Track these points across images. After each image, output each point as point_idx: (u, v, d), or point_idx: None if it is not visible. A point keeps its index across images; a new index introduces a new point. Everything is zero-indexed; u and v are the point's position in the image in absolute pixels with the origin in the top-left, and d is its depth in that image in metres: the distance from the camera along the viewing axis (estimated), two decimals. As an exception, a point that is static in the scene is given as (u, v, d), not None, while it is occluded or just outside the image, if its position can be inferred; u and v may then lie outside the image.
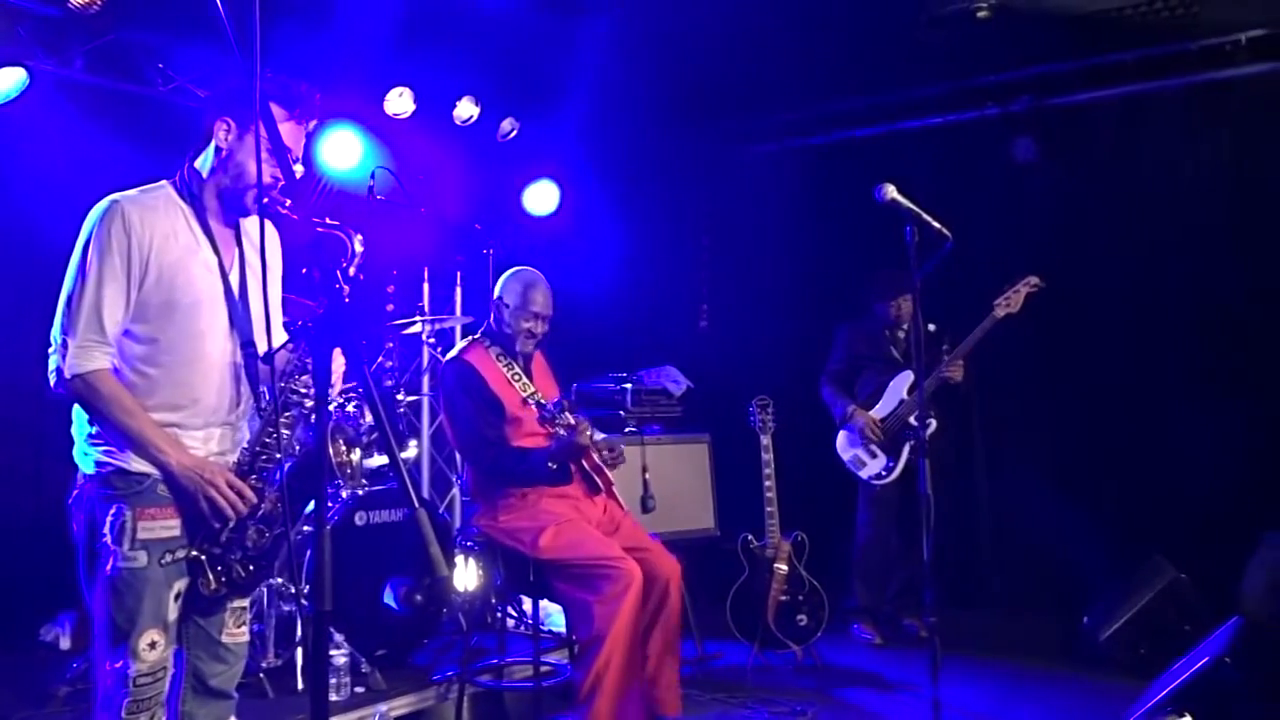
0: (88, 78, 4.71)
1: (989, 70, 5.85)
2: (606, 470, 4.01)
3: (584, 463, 3.99)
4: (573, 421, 3.76)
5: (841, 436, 5.44)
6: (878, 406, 5.35)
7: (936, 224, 3.35)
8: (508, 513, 3.92)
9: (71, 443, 2.47)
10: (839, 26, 5.31)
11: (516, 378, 4.04)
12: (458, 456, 5.87)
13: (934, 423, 5.14)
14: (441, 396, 4.13)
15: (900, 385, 5.31)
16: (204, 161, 2.54)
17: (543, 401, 3.84)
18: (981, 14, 4.99)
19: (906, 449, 5.25)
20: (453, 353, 4.15)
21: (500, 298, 4.14)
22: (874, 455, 5.33)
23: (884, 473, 5.30)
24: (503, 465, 3.90)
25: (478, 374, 3.98)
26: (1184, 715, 3.24)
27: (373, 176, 5.21)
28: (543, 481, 3.89)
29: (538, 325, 4.11)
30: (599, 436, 4.16)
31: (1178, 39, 5.31)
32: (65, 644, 4.70)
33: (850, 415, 5.36)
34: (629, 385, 5.52)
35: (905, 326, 5.38)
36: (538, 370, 4.21)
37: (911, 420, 5.18)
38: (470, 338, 4.20)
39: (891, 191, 3.34)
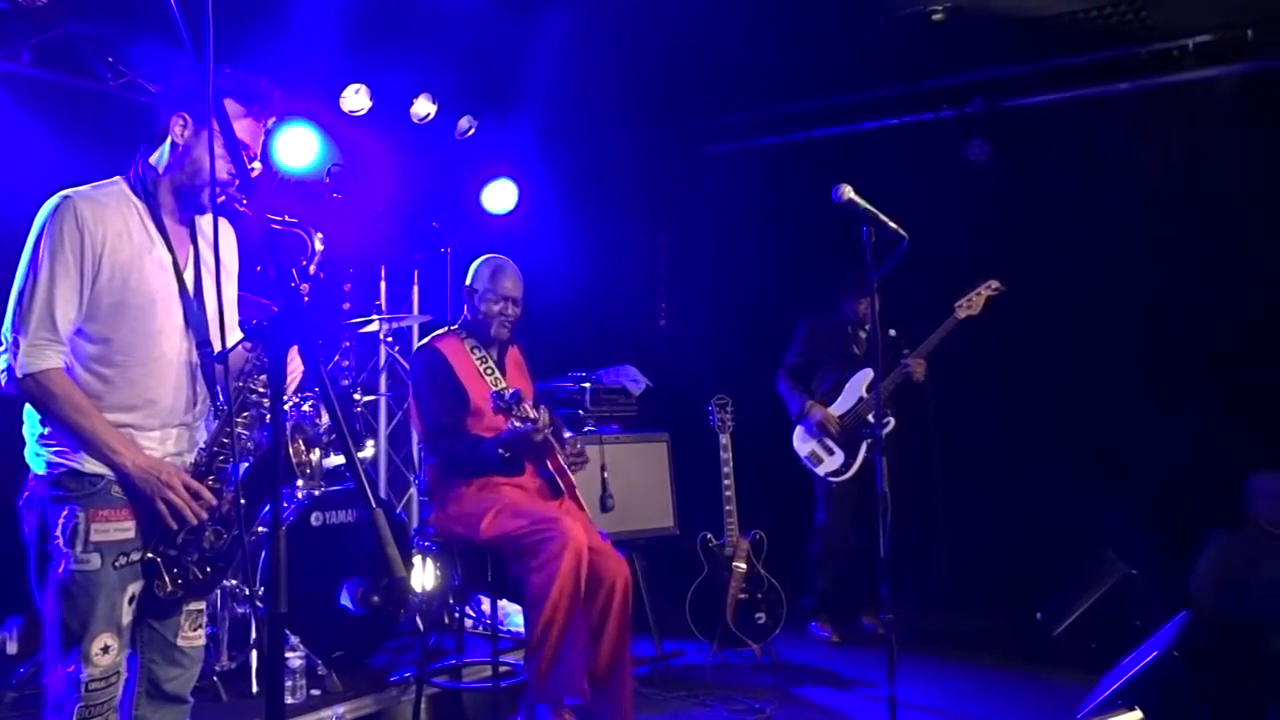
0: (36, 72, 4.62)
1: (944, 72, 5.92)
2: (570, 474, 4.00)
3: (548, 463, 3.97)
4: (532, 414, 3.69)
5: (798, 431, 5.46)
6: (836, 403, 5.39)
7: (893, 224, 3.38)
8: (457, 503, 3.89)
9: (22, 442, 2.43)
10: (796, 28, 5.34)
11: (489, 371, 4.01)
12: (415, 455, 5.85)
13: (892, 421, 5.19)
14: (413, 385, 4.10)
15: (859, 383, 5.35)
16: (159, 157, 2.50)
17: (499, 391, 3.75)
18: (937, 16, 5.04)
19: (864, 447, 5.29)
20: (425, 340, 4.12)
21: (470, 284, 4.12)
22: (831, 452, 5.37)
23: (841, 469, 5.34)
24: (456, 452, 3.86)
25: (446, 362, 3.95)
26: (1134, 709, 3.30)
27: (328, 174, 5.16)
28: (493, 470, 3.85)
29: (509, 308, 4.07)
30: (566, 435, 4.14)
31: (1127, 44, 5.39)
32: (12, 648, 4.61)
33: (808, 410, 5.39)
34: (588, 384, 5.52)
35: (867, 325, 5.42)
36: (512, 364, 4.17)
37: (870, 418, 5.22)
38: (447, 327, 4.17)
39: (848, 192, 3.36)
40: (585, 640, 3.69)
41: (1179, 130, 5.54)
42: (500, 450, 3.78)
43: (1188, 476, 5.31)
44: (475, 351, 4.04)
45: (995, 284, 5.13)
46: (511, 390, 3.72)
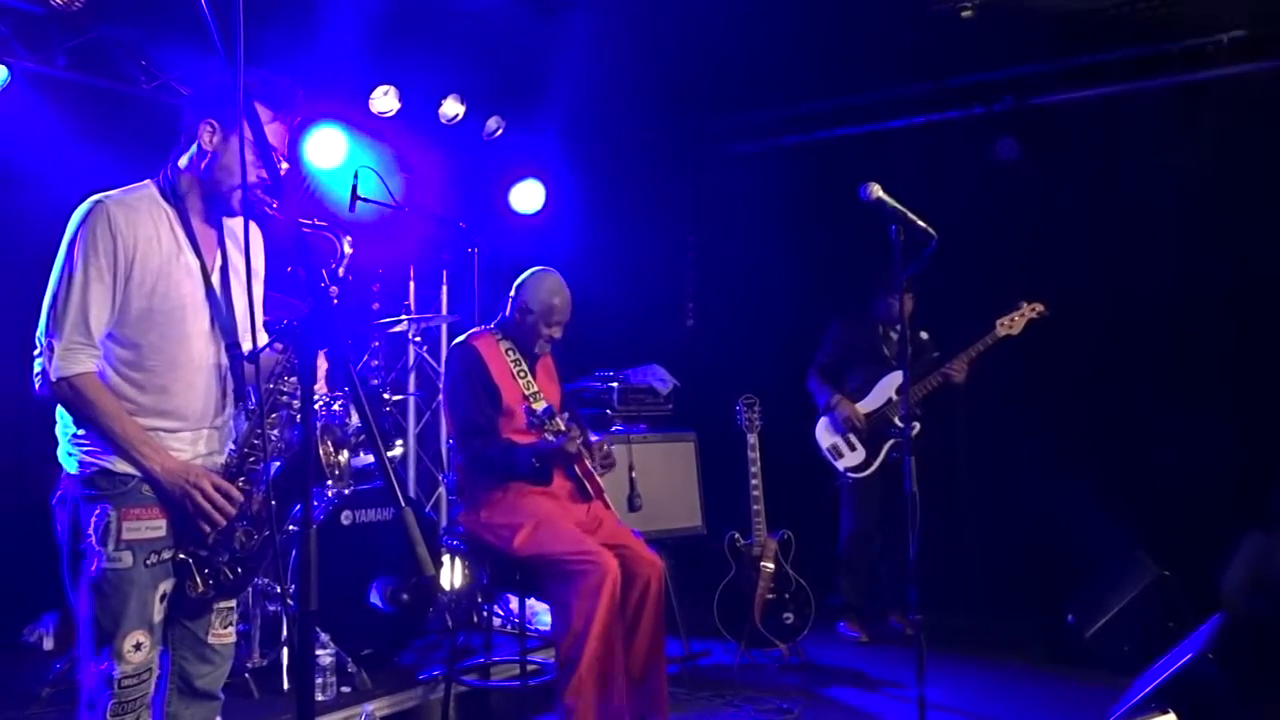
0: (70, 75, 4.67)
1: (972, 70, 5.87)
2: (598, 477, 4.01)
3: (577, 469, 3.98)
4: (563, 428, 3.74)
5: (822, 424, 5.46)
6: (863, 401, 5.37)
7: (921, 223, 3.36)
8: (490, 508, 3.90)
9: (55, 442, 2.45)
10: (822, 26, 5.32)
11: (522, 374, 4.03)
12: (444, 454, 5.87)
13: (918, 425, 5.16)
14: (446, 381, 4.12)
15: (889, 384, 5.33)
16: (188, 162, 2.51)
17: (533, 408, 3.82)
18: (966, 13, 5.00)
19: (886, 447, 5.27)
20: (462, 338, 4.13)
21: (524, 301, 4.08)
22: (853, 447, 5.36)
23: (860, 466, 5.33)
24: (487, 454, 3.87)
25: (482, 361, 3.97)
26: (1167, 712, 3.26)
27: (356, 175, 5.18)
28: (523, 477, 3.86)
29: (557, 331, 4.10)
30: (593, 438, 4.15)
31: (1160, 39, 5.33)
32: (49, 645, 4.68)
33: (835, 404, 5.38)
34: (615, 384, 5.52)
35: (898, 326, 5.39)
36: (543, 370, 4.18)
37: (896, 420, 5.21)
38: (483, 326, 4.19)
39: (877, 190, 3.34)
40: (623, 686, 3.68)
41: (1212, 127, 5.47)
42: (533, 460, 3.81)
43: (1221, 475, 5.25)
44: (510, 354, 4.06)
45: (1040, 308, 5.10)
46: (544, 407, 3.78)
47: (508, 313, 4.15)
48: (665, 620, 3.92)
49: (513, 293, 4.14)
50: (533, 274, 4.14)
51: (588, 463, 3.96)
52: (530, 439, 3.93)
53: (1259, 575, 4.06)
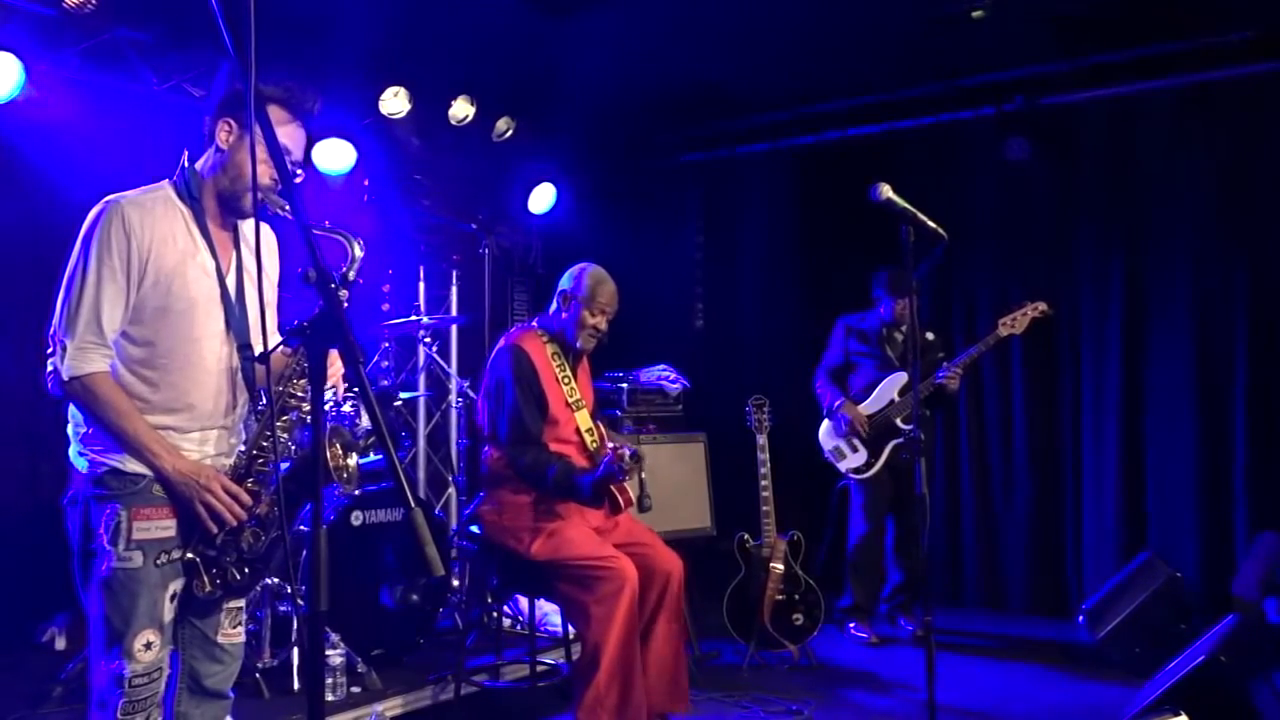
0: (83, 76, 4.69)
1: (983, 70, 5.86)
2: (628, 490, 3.98)
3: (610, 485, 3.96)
4: (630, 463, 3.70)
5: (825, 426, 5.46)
6: (866, 403, 5.37)
7: (931, 223, 3.35)
8: (513, 511, 3.86)
9: (67, 442, 2.47)
10: (833, 26, 5.32)
11: (565, 380, 3.96)
12: (453, 455, 5.88)
13: (922, 434, 5.15)
14: (491, 378, 3.98)
15: (892, 386, 5.32)
16: (204, 163, 2.52)
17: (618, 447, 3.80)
18: (977, 14, 5.00)
19: (888, 448, 5.27)
20: (508, 339, 4.02)
21: (569, 289, 4.02)
22: (854, 449, 5.36)
23: (862, 467, 5.33)
24: (540, 468, 3.79)
25: (533, 365, 3.89)
26: (1179, 714, 3.25)
27: (366, 177, 5.20)
28: (580, 502, 3.81)
29: (602, 321, 4.02)
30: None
31: (1172, 39, 5.32)
32: (61, 644, 4.70)
33: (838, 408, 5.38)
34: (625, 385, 5.52)
35: (904, 327, 5.39)
36: (581, 372, 4.12)
37: (899, 422, 5.20)
38: (526, 326, 4.11)
39: (887, 191, 3.33)
40: (642, 693, 3.66)
41: (1225, 126, 5.46)
42: (592, 491, 3.76)
43: (1233, 476, 5.23)
44: (555, 357, 3.99)
45: (1043, 307, 5.07)
46: (630, 450, 3.74)
47: (552, 308, 4.07)
48: (685, 617, 3.90)
49: (559, 287, 4.07)
50: (577, 266, 4.08)
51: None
52: (569, 449, 3.89)
53: (1271, 577, 4.05)
